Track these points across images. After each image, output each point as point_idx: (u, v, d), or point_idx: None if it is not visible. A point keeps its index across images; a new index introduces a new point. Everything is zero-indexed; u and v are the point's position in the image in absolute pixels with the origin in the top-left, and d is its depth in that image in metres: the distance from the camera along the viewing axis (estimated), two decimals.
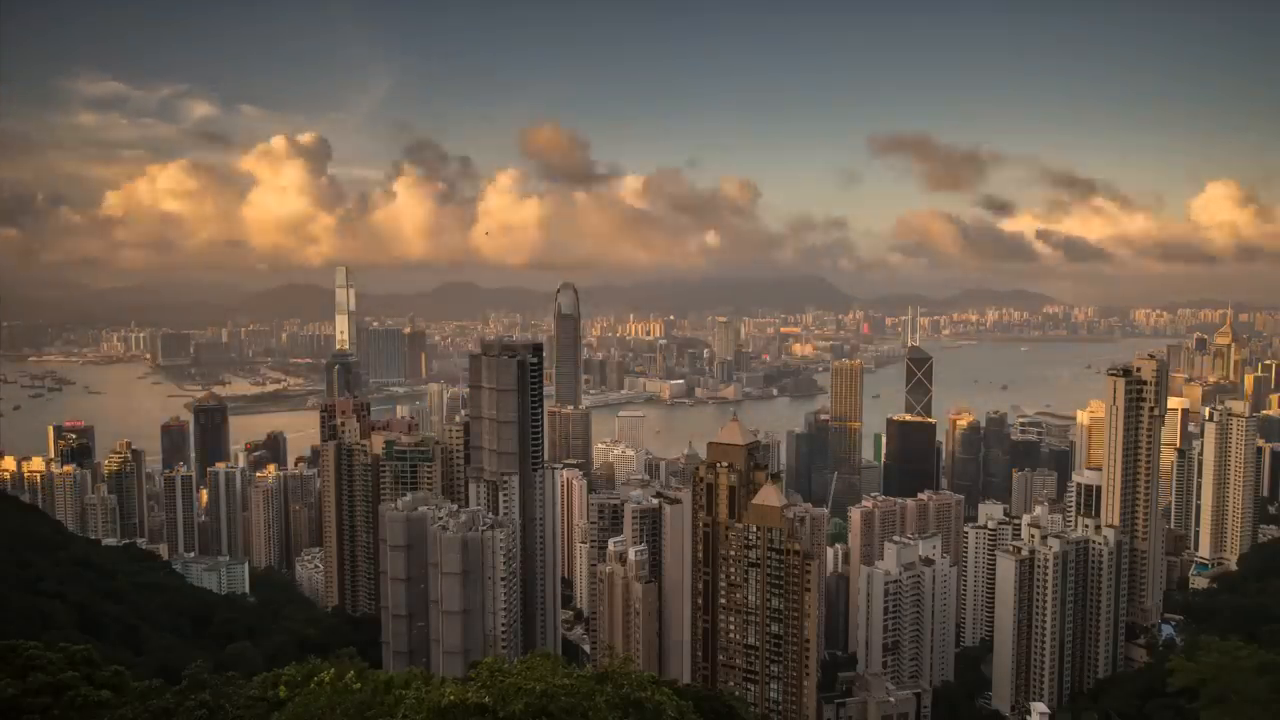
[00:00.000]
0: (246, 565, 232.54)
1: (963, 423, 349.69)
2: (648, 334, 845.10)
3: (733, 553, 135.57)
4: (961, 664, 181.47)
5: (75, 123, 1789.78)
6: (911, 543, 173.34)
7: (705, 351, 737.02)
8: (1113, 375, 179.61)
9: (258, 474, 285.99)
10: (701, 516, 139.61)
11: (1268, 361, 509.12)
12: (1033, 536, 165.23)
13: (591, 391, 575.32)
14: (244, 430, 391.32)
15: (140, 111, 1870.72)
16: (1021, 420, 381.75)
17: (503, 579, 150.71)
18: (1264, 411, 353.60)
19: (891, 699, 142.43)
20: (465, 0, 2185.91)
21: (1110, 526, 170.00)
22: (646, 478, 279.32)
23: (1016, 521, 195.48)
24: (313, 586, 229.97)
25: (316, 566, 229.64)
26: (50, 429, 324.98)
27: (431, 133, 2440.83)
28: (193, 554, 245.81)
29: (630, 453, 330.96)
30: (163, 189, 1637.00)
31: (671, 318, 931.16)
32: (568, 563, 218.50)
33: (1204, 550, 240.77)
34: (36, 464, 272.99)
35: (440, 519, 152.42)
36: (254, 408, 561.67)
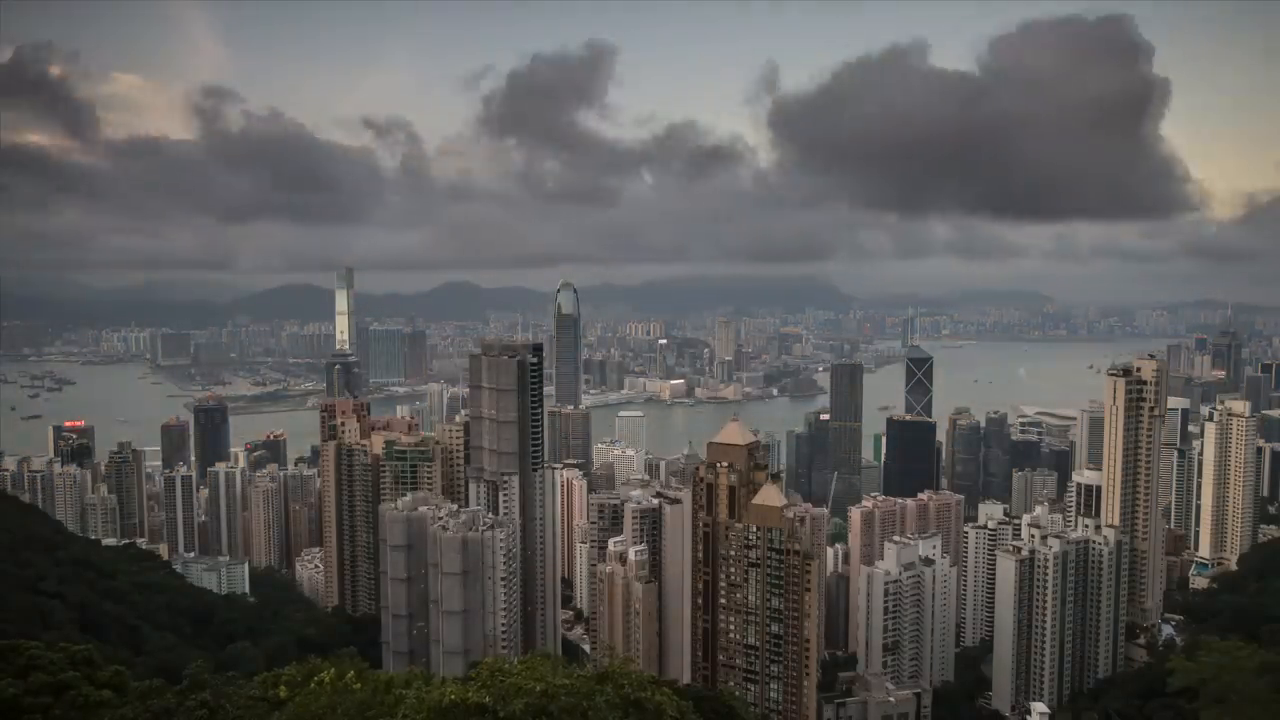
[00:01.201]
0: (246, 565, 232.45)
1: (963, 423, 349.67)
2: (648, 334, 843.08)
3: (733, 553, 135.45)
4: (961, 664, 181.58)
5: None
6: (911, 543, 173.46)
7: (705, 351, 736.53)
8: (1113, 375, 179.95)
9: (258, 474, 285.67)
10: (701, 516, 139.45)
11: (1267, 361, 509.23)
12: (1033, 536, 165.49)
13: (591, 391, 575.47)
14: (244, 430, 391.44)
15: None
16: (1021, 420, 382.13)
17: (503, 579, 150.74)
18: (1264, 411, 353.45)
19: (891, 699, 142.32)
20: None
21: (1110, 526, 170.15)
22: (646, 478, 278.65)
23: (1016, 521, 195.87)
24: (313, 586, 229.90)
25: (316, 566, 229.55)
26: (50, 429, 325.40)
27: None
28: (193, 554, 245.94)
29: (630, 453, 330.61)
30: None
31: (672, 318, 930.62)
32: (568, 563, 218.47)
33: (1204, 550, 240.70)
34: (36, 464, 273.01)
35: (440, 519, 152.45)
36: (254, 408, 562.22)
